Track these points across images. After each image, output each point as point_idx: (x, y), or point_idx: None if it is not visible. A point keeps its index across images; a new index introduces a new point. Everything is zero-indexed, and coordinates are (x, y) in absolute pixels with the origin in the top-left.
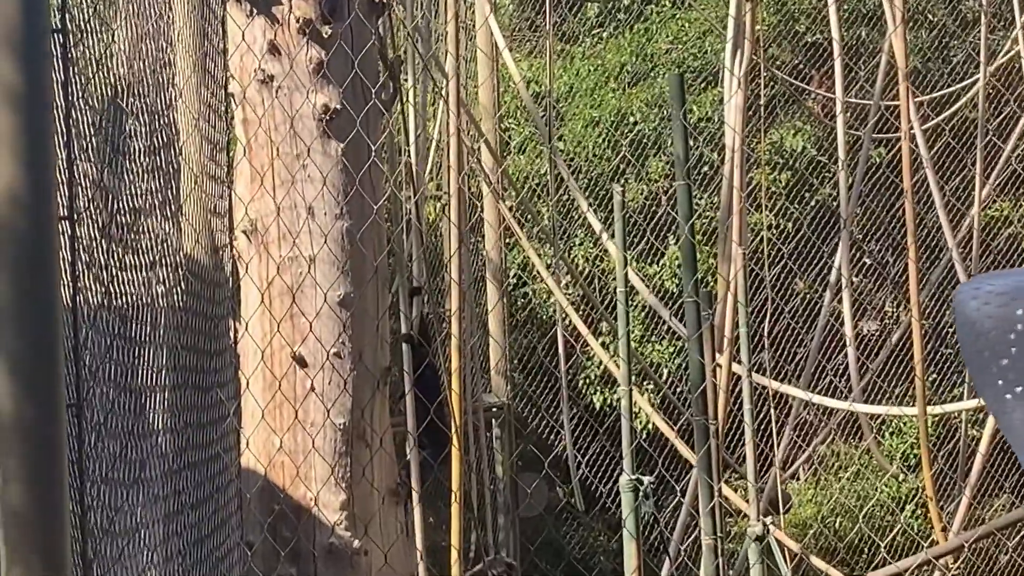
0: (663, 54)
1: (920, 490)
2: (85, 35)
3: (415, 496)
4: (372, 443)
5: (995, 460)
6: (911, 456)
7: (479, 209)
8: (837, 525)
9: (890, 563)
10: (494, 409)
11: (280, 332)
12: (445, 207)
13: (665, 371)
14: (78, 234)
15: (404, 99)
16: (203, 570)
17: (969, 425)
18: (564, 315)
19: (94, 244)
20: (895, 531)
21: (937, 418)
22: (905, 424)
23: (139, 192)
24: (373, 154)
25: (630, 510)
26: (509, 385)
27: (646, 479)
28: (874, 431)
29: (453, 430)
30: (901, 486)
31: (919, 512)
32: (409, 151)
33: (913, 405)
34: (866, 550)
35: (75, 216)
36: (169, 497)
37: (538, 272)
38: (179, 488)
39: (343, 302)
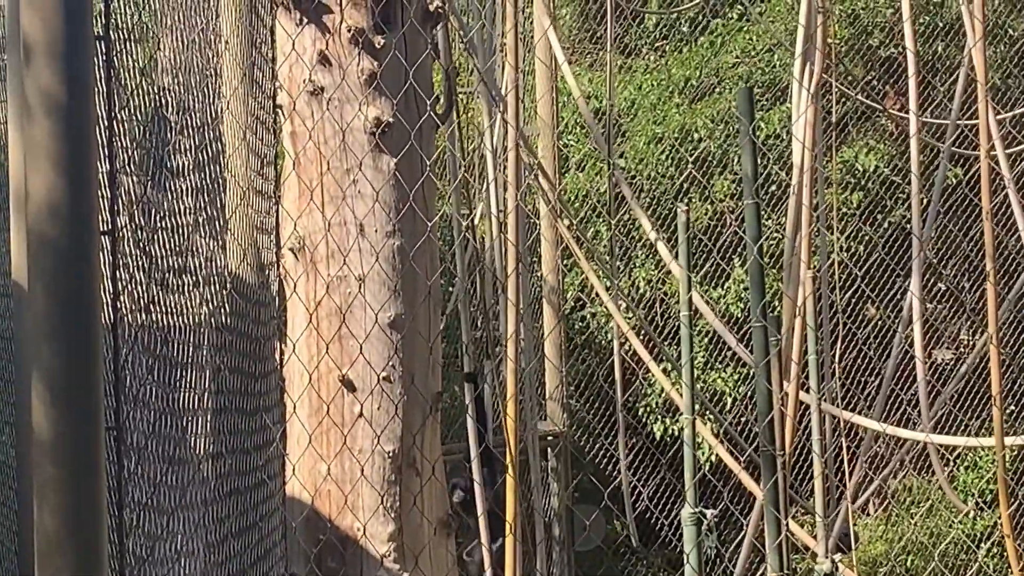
0: (729, 68)
1: (997, 527)
2: (129, 43)
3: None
4: (423, 471)
5: None
6: (988, 491)
7: (537, 228)
8: (909, 563)
9: None
10: (550, 438)
11: (328, 354)
12: (502, 225)
13: (729, 400)
14: (119, 249)
15: (460, 113)
16: None
17: None
18: (624, 340)
19: (136, 260)
20: (971, 571)
21: (1015, 451)
22: (981, 457)
23: (183, 207)
24: (427, 169)
25: (692, 545)
26: (566, 413)
27: (709, 512)
28: (949, 464)
29: (508, 458)
30: (977, 523)
31: (996, 550)
32: (466, 167)
33: (990, 437)
34: None
35: (117, 231)
36: (211, 525)
37: (597, 294)
38: (221, 516)
39: (394, 323)
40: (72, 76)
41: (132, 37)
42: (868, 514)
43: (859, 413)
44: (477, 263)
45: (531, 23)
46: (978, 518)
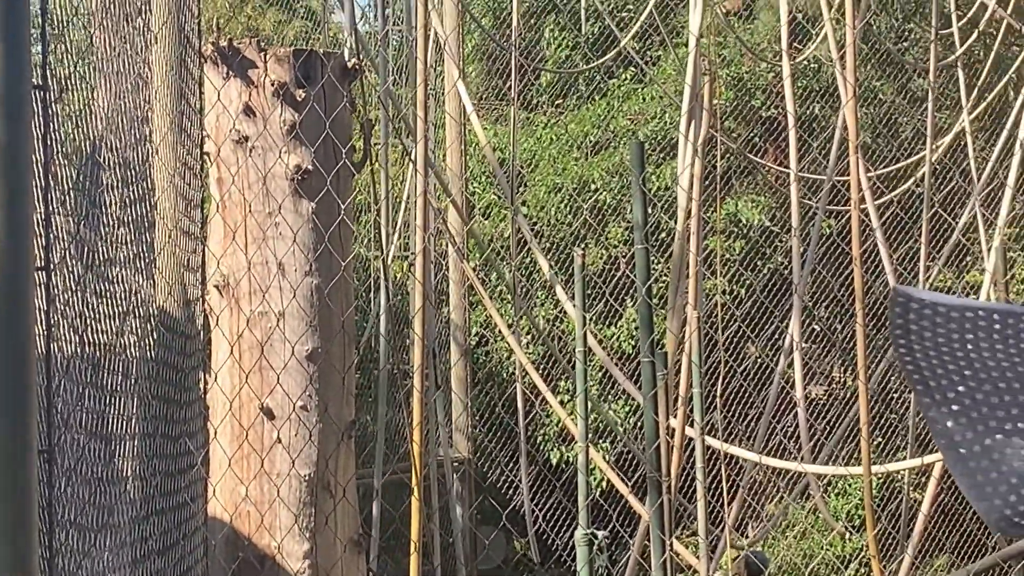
0: (623, 125)
1: (864, 549)
2: (65, 91)
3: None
4: (336, 494)
5: (936, 521)
6: (856, 516)
7: (444, 268)
8: None
9: None
10: (455, 464)
11: (249, 384)
12: (411, 266)
13: (620, 429)
14: (53, 284)
15: (374, 161)
16: None
17: (911, 488)
18: (524, 373)
19: (69, 295)
20: None
21: (881, 480)
22: (850, 485)
23: (114, 245)
24: (342, 213)
25: (584, 563)
26: (470, 441)
27: (600, 533)
28: (821, 491)
29: (414, 482)
30: (846, 545)
31: (863, 571)
32: (378, 211)
33: (858, 465)
34: None
35: (51, 267)
36: (136, 543)
37: (499, 331)
38: (146, 534)
39: (311, 356)
40: (9, 123)
41: (68, 86)
42: (747, 537)
43: (739, 443)
44: (388, 301)
45: (441, 80)
46: (847, 541)
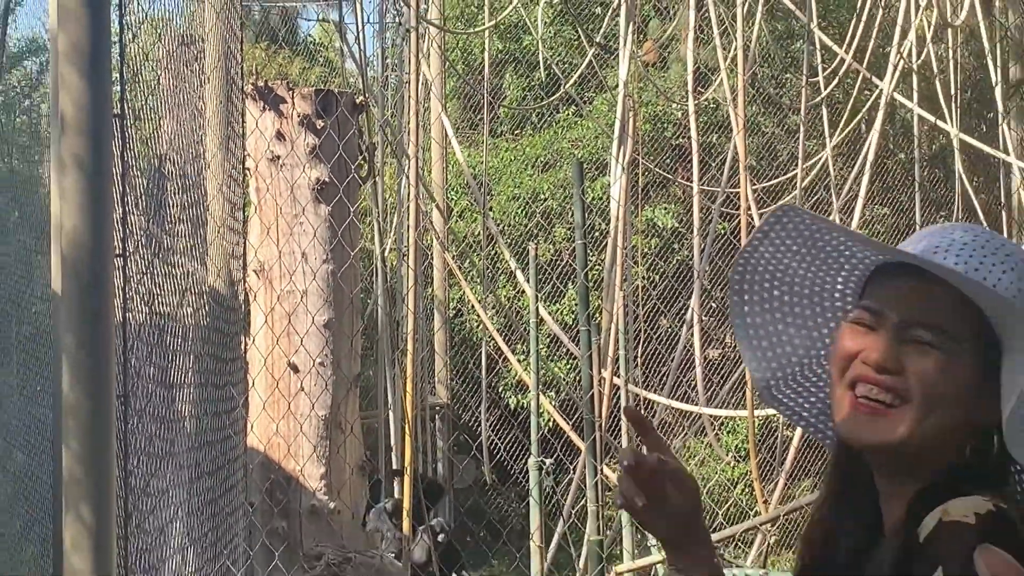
0: (567, 149)
1: (748, 474)
2: (139, 120)
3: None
4: (345, 430)
5: (804, 452)
6: (742, 448)
7: (429, 258)
8: None
9: (726, 527)
10: (437, 408)
11: (279, 345)
12: (404, 256)
13: (562, 382)
14: (128, 268)
15: (376, 175)
16: (216, 522)
17: (785, 427)
18: (490, 338)
19: (140, 276)
20: (729, 504)
21: (761, 420)
22: (738, 424)
23: (175, 238)
24: (351, 215)
25: (535, 484)
26: (448, 390)
27: (548, 461)
28: (715, 429)
29: (406, 420)
30: (734, 471)
31: (747, 490)
32: (379, 214)
33: (745, 410)
34: (707, 518)
35: (127, 254)
36: (191, 467)
37: (472, 305)
38: (199, 460)
39: (327, 325)
40: (95, 143)
41: (140, 116)
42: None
43: (654, 391)
44: (385, 283)
45: (428, 113)
46: (734, 468)
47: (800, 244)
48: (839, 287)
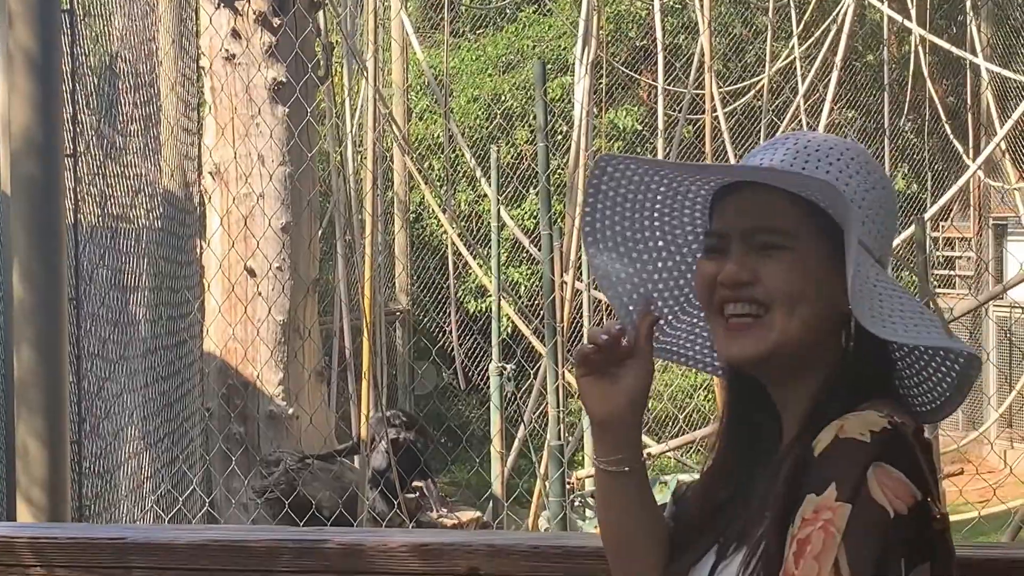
0: (529, 49)
1: (710, 379)
2: (89, 15)
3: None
4: (303, 335)
5: None
6: None
7: (389, 159)
8: (650, 405)
9: (687, 432)
10: (397, 313)
11: (235, 249)
12: (363, 158)
13: (523, 287)
14: (79, 168)
15: (334, 75)
16: (172, 427)
17: None
18: (451, 242)
19: (92, 176)
20: (690, 409)
21: None
22: None
23: (128, 139)
24: (308, 116)
25: (495, 389)
26: (408, 296)
27: (508, 367)
28: None
29: (365, 325)
30: (696, 376)
31: (709, 396)
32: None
33: None
34: (670, 423)
35: (78, 153)
36: (147, 371)
37: (432, 209)
38: (154, 364)
39: (284, 228)
40: (45, 38)
41: (91, 11)
42: None
43: None
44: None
45: (388, 12)
46: (697, 374)
47: (635, 191)
48: (688, 225)
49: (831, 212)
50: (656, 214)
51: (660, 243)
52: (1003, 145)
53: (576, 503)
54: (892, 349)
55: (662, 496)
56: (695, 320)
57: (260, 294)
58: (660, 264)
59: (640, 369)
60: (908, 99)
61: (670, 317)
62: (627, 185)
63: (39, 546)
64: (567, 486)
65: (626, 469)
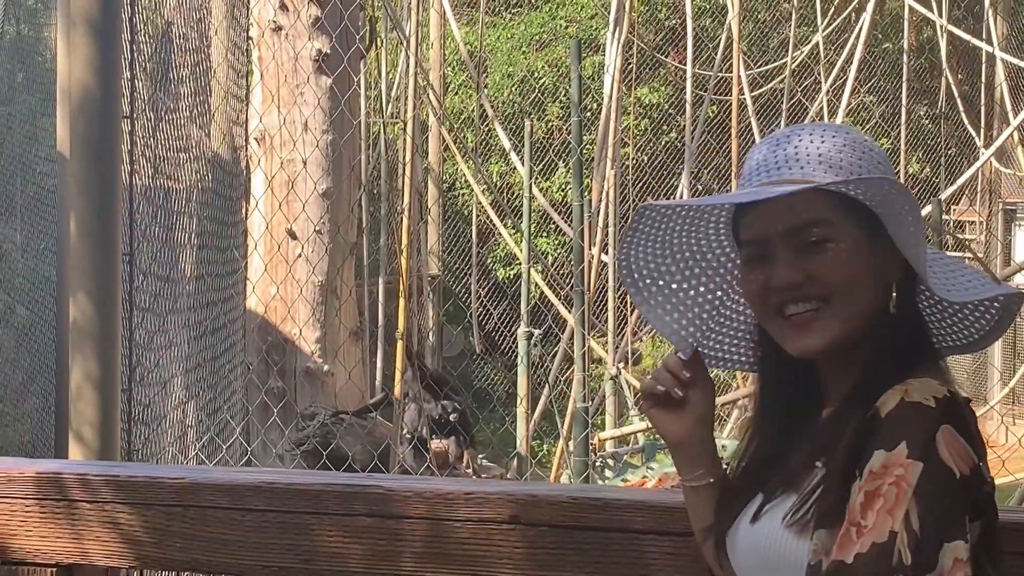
0: (562, 29)
1: None
2: None
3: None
4: (341, 296)
5: None
6: None
7: (427, 131)
8: None
9: None
10: (429, 278)
11: (280, 211)
12: (403, 128)
13: (551, 257)
14: (135, 131)
15: (379, 48)
16: (216, 379)
17: None
18: (482, 211)
19: (146, 138)
20: None
21: None
22: None
23: (182, 104)
24: (353, 86)
25: (523, 352)
26: (441, 261)
27: (536, 331)
28: None
29: (401, 290)
30: None
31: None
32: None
33: None
34: None
35: (134, 116)
36: (194, 325)
37: (466, 180)
38: (201, 319)
39: (326, 194)
40: (105, 3)
41: None
42: (642, 340)
43: None
44: (386, 153)
45: None
46: None
47: (666, 231)
48: (717, 251)
49: (865, 201)
50: (690, 246)
51: (690, 260)
52: (1016, 135)
53: (598, 463)
54: (926, 307)
55: (665, 464)
56: (727, 323)
57: (301, 256)
58: (694, 281)
59: (702, 390)
60: (924, 87)
61: (705, 329)
62: (659, 228)
63: (97, 484)
64: (590, 446)
65: (710, 480)
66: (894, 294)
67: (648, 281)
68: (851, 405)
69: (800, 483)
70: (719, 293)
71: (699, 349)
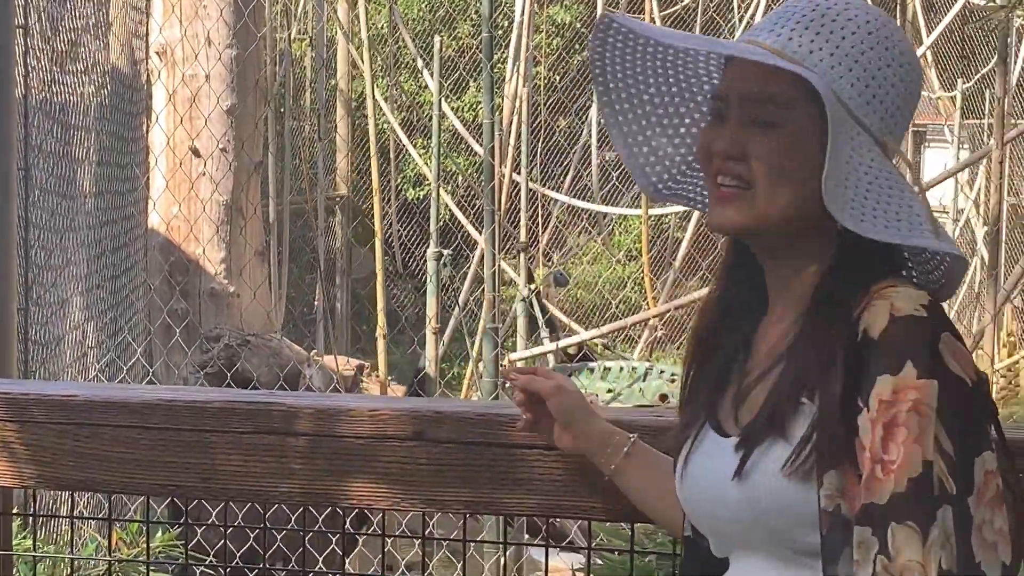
0: None
1: (638, 271)
2: None
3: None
4: (246, 215)
5: (692, 253)
6: (633, 248)
7: (334, 48)
8: (578, 295)
9: (619, 319)
10: (338, 198)
11: (183, 127)
12: (311, 44)
13: (460, 177)
14: (30, 43)
15: None
16: (116, 299)
17: (676, 228)
18: (392, 131)
19: (40, 51)
20: (619, 300)
21: (654, 220)
22: (631, 224)
23: (78, 14)
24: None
25: (433, 272)
26: (348, 183)
27: (445, 252)
28: (610, 228)
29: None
30: (625, 269)
31: (637, 288)
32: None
33: (639, 209)
34: (599, 312)
35: (28, 28)
36: (93, 244)
37: (376, 98)
38: (100, 237)
39: (230, 110)
40: None
41: None
42: (552, 261)
43: (554, 189)
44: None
45: None
46: (625, 266)
47: (643, 46)
48: (704, 77)
49: (825, 102)
50: (670, 69)
51: (675, 96)
52: (928, 55)
53: (507, 385)
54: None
55: (590, 381)
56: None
57: (205, 174)
58: (672, 117)
59: (560, 391)
60: None
61: (683, 167)
62: (636, 39)
63: None
64: (500, 368)
65: (625, 451)
66: None
67: (627, 106)
68: (816, 324)
69: (785, 424)
70: (694, 129)
71: (669, 185)
